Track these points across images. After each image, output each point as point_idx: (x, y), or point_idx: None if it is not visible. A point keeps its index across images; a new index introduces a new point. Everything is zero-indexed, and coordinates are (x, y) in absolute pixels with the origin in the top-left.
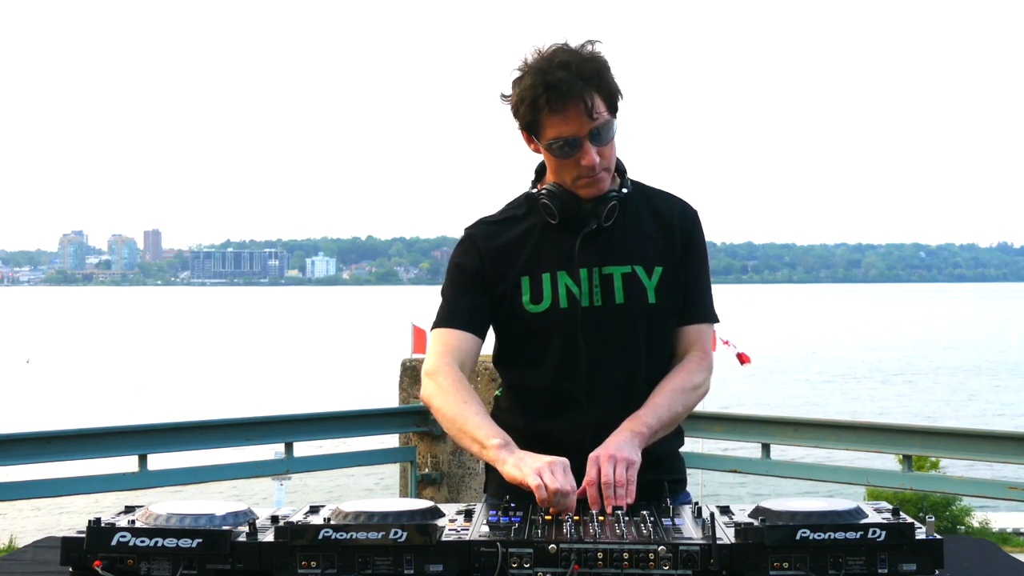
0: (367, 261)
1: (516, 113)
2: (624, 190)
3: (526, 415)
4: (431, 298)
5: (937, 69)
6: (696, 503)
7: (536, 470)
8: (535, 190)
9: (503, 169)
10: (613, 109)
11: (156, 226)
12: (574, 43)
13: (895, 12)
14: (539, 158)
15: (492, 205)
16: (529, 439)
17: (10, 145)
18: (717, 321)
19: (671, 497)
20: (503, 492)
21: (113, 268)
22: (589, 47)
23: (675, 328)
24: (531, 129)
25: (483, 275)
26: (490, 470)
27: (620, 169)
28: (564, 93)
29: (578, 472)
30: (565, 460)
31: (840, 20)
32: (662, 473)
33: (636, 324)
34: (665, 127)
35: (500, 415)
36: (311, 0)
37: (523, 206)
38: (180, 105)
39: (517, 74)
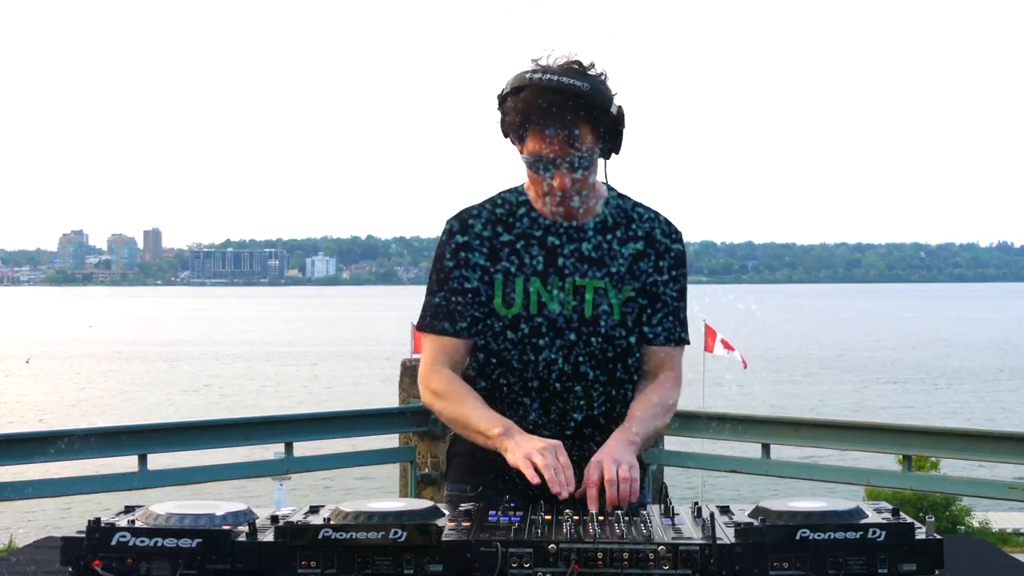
0: (367, 261)
1: (503, 120)
2: (600, 211)
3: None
4: None
5: (937, 69)
6: (696, 503)
7: (526, 455)
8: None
9: (503, 169)
10: (603, 140)
11: (156, 226)
12: (586, 60)
13: (895, 12)
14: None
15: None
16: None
17: (10, 145)
18: (687, 343)
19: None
20: (465, 478)
21: (113, 268)
22: (600, 74)
23: (641, 346)
24: (517, 136)
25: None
26: (450, 457)
27: (606, 187)
28: (551, 117)
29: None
30: (558, 443)
31: (840, 20)
32: None
33: (598, 338)
34: (665, 127)
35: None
36: (311, 1)
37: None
38: (180, 105)
39: (519, 80)
